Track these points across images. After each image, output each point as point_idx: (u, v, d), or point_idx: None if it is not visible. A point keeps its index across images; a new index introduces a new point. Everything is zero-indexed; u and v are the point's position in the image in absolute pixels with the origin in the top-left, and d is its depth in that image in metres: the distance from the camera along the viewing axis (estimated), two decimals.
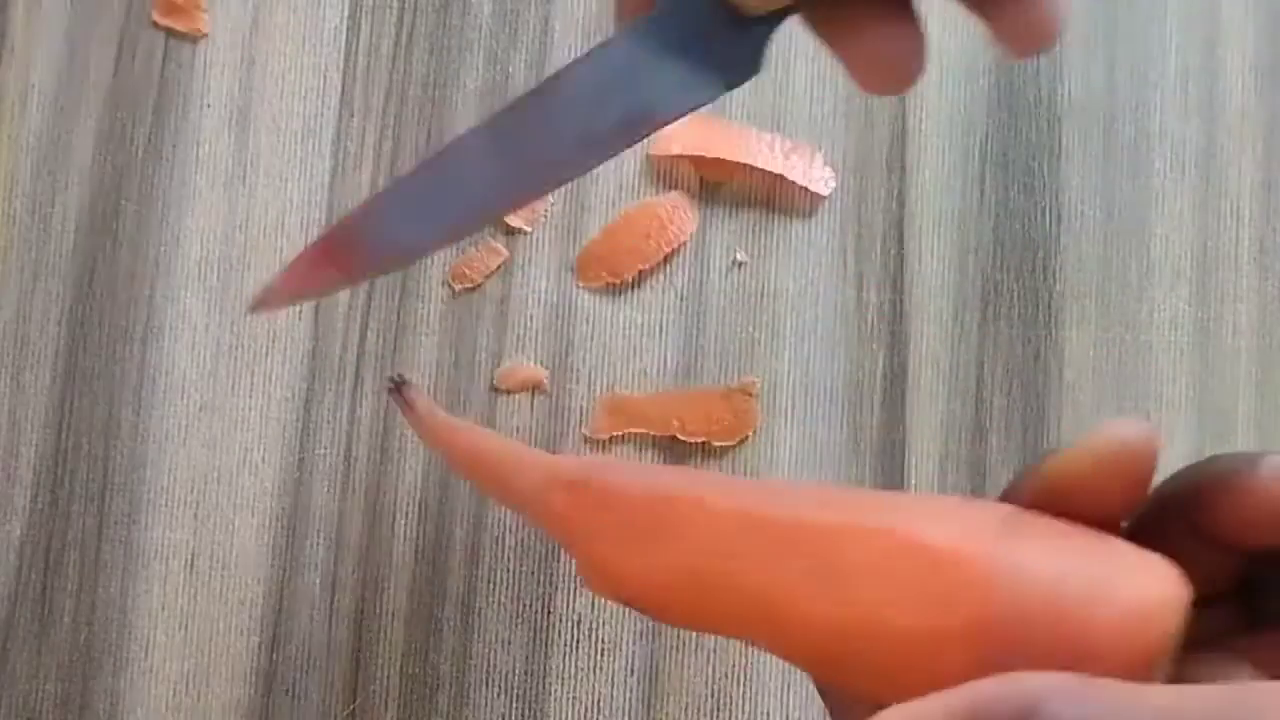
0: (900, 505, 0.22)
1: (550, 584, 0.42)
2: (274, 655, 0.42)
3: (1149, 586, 0.19)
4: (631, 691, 0.42)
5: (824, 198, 0.45)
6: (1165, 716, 0.17)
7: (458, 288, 0.44)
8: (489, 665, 0.42)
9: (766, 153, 0.44)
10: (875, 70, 0.22)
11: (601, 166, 0.45)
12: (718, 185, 0.45)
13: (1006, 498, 0.22)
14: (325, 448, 0.43)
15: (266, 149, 0.44)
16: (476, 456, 0.30)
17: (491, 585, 0.42)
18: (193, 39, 0.45)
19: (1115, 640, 0.19)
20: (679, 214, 0.44)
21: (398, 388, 0.31)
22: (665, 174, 0.45)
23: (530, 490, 0.27)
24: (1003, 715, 0.18)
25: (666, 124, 0.25)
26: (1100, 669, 0.18)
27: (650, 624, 0.42)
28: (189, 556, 0.42)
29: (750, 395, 0.43)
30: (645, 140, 0.46)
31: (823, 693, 0.24)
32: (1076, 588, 0.19)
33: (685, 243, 0.44)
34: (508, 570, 0.42)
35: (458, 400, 0.43)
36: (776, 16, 0.24)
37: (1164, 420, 0.44)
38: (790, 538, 0.21)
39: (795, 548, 0.21)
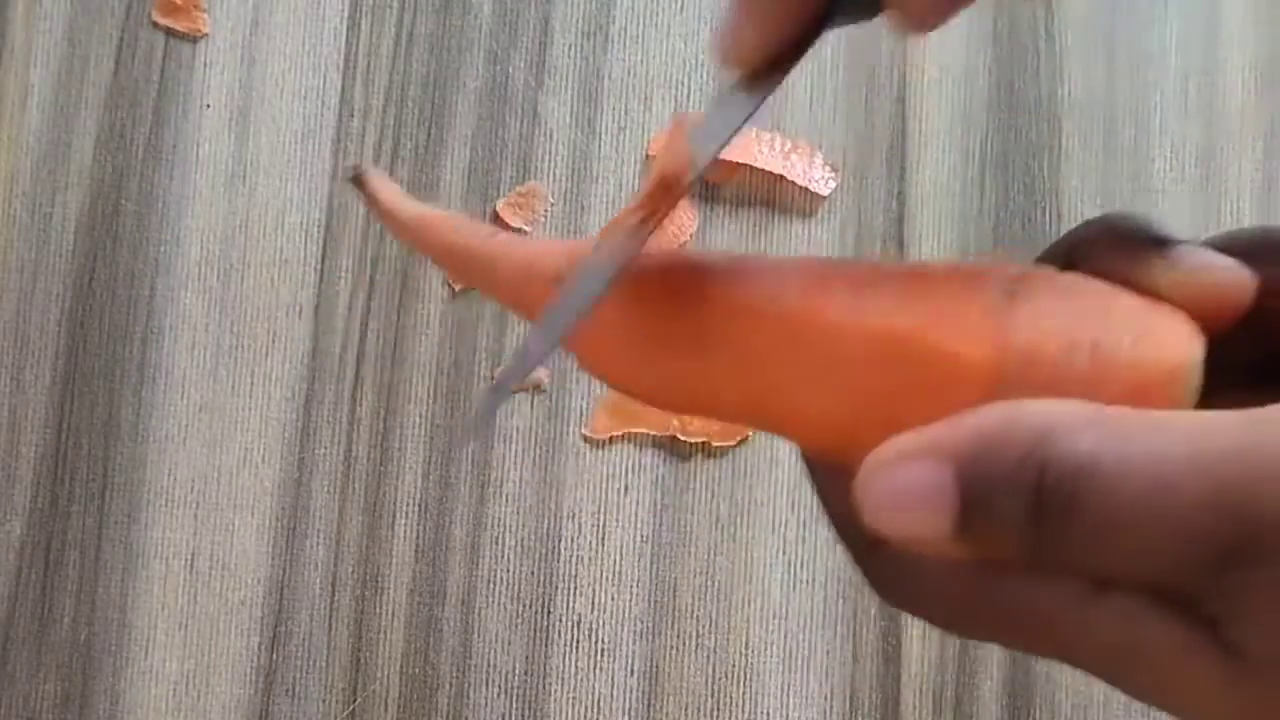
0: (911, 293, 0.21)
1: (550, 584, 0.42)
2: (274, 655, 0.42)
3: (1162, 347, 0.18)
4: (631, 691, 0.42)
5: (824, 198, 0.45)
6: (1189, 443, 0.16)
7: (458, 288, 0.44)
8: (489, 665, 0.42)
9: (766, 153, 0.44)
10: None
11: (601, 167, 0.45)
12: (718, 185, 0.45)
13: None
14: (325, 448, 0.43)
15: (266, 149, 0.44)
16: (450, 249, 0.28)
17: (491, 585, 0.42)
18: (193, 39, 0.45)
19: (1132, 403, 0.18)
20: (679, 214, 0.44)
21: (358, 177, 0.28)
22: None
23: (511, 283, 0.26)
24: (1012, 445, 0.17)
25: None
26: None
27: (650, 624, 0.42)
28: (189, 556, 0.42)
29: None
30: (645, 140, 0.46)
31: (812, 467, 0.24)
32: (1086, 360, 0.18)
33: (685, 243, 0.44)
34: (508, 570, 0.42)
35: (458, 399, 0.43)
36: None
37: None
38: (800, 335, 0.21)
39: (804, 344, 0.21)
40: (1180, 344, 0.18)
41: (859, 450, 0.18)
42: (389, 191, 0.28)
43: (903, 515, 0.17)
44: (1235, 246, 0.20)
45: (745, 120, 0.22)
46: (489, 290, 0.27)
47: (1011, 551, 0.17)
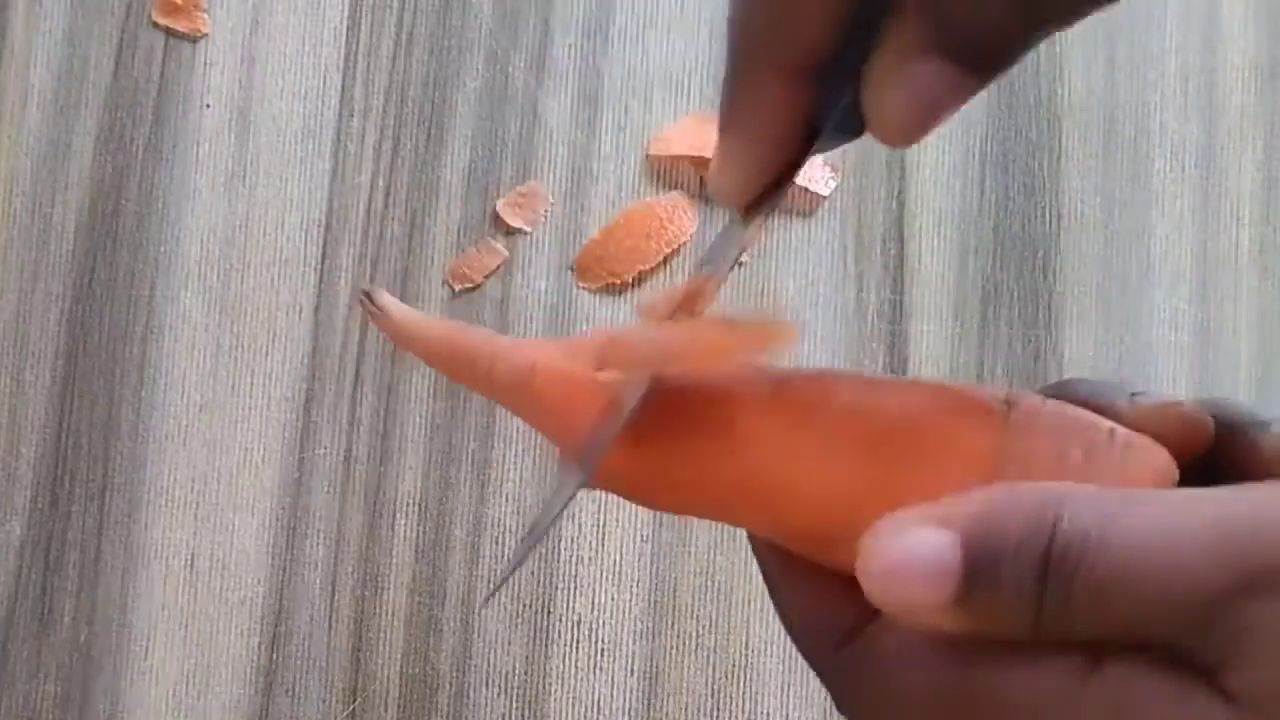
0: (919, 388, 0.22)
1: (550, 584, 0.42)
2: (274, 655, 0.42)
3: (1148, 459, 0.20)
4: (631, 691, 0.42)
5: (824, 198, 0.45)
6: (1184, 507, 0.17)
7: (458, 288, 0.44)
8: (489, 665, 0.42)
9: None
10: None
11: (601, 167, 0.45)
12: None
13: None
14: (325, 448, 0.43)
15: (266, 149, 0.44)
16: (453, 350, 0.29)
17: (492, 585, 0.42)
18: (193, 39, 0.45)
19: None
20: (679, 214, 0.44)
21: (368, 297, 0.29)
22: (665, 174, 0.45)
23: (510, 380, 0.27)
24: (1018, 516, 0.18)
25: None
26: None
27: (650, 624, 0.42)
28: (189, 556, 0.42)
29: None
30: (645, 140, 0.46)
31: (769, 573, 0.24)
32: (1079, 462, 0.19)
33: (685, 243, 0.44)
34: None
35: (457, 400, 0.43)
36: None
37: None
38: (810, 417, 0.21)
39: (812, 426, 0.21)
40: (1162, 457, 0.20)
41: (849, 530, 0.19)
42: (395, 305, 0.28)
43: (905, 582, 0.18)
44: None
45: (741, 249, 0.23)
46: (491, 390, 0.28)
47: (1011, 620, 0.18)
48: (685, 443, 0.22)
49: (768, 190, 0.23)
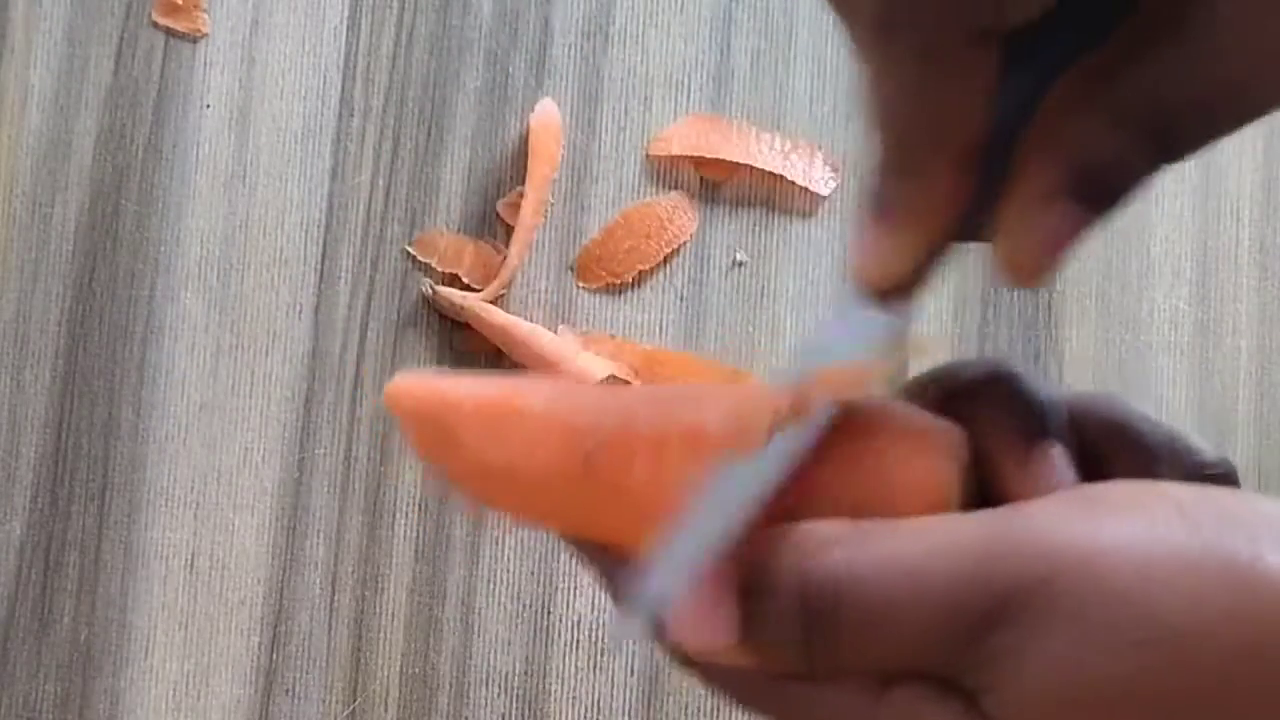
0: (699, 395, 0.23)
1: (550, 584, 0.42)
2: (274, 655, 0.42)
3: (919, 469, 0.20)
4: (631, 691, 0.42)
5: (824, 198, 0.45)
6: (933, 537, 0.18)
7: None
8: (489, 665, 0.42)
9: (766, 153, 0.44)
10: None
11: (601, 167, 0.45)
12: (718, 185, 0.45)
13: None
14: (325, 448, 0.43)
15: (266, 149, 0.44)
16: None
17: (491, 585, 0.42)
18: (193, 39, 0.45)
19: (904, 508, 0.19)
20: (679, 214, 0.44)
21: None
22: (665, 174, 0.45)
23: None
24: (775, 566, 0.18)
25: None
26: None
27: None
28: (189, 556, 0.42)
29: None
30: (645, 140, 0.46)
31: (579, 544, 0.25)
32: (863, 473, 0.20)
33: (685, 243, 0.44)
34: (508, 570, 0.42)
35: None
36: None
37: (1164, 420, 0.44)
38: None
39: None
40: (937, 471, 0.20)
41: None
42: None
43: (693, 632, 0.19)
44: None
45: (877, 340, 0.23)
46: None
47: (790, 660, 0.19)
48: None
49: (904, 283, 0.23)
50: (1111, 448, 0.22)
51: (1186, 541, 0.17)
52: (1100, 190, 0.21)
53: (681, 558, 0.20)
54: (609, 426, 0.22)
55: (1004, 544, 0.17)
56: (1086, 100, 0.20)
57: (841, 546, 0.18)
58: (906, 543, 0.18)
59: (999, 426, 0.21)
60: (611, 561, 0.23)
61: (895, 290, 0.23)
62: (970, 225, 0.22)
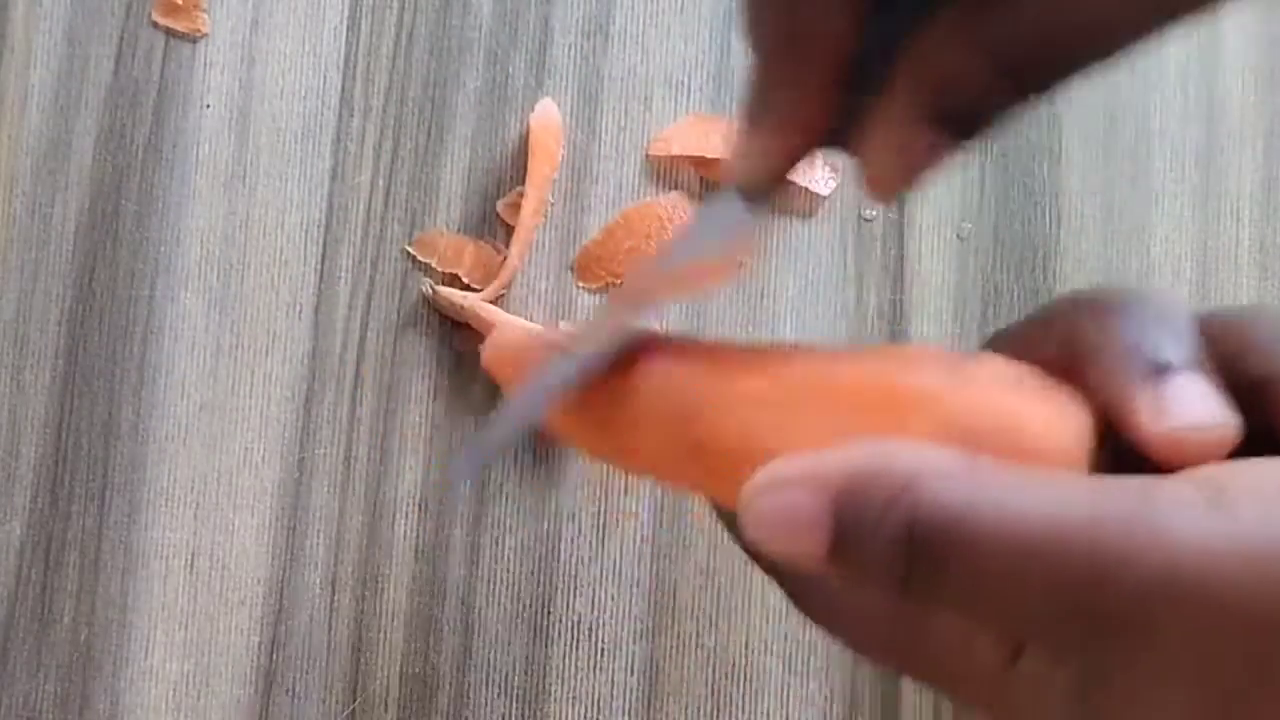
0: (883, 355, 0.23)
1: (550, 584, 0.42)
2: (274, 655, 0.42)
3: (1051, 428, 0.19)
4: (631, 691, 0.42)
5: (824, 198, 0.45)
6: (1050, 505, 0.17)
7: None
8: (489, 665, 0.42)
9: None
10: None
11: (601, 167, 0.45)
12: (718, 185, 0.45)
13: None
14: (325, 448, 0.43)
15: (266, 149, 0.44)
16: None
17: (491, 585, 0.42)
18: (193, 39, 0.45)
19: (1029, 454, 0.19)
20: (679, 214, 0.44)
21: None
22: (665, 174, 0.45)
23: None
24: (881, 488, 0.18)
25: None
26: None
27: (650, 624, 0.42)
28: (189, 556, 0.42)
29: None
30: (645, 140, 0.46)
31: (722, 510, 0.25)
32: (994, 427, 0.19)
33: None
34: (508, 570, 0.42)
35: (458, 399, 0.43)
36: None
37: None
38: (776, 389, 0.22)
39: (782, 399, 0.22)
40: (1068, 427, 0.19)
41: None
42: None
43: (780, 537, 0.18)
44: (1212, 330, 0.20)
45: (748, 232, 0.24)
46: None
47: (883, 583, 0.18)
48: (641, 407, 0.23)
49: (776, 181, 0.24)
50: (1259, 365, 0.20)
51: None
52: (958, 119, 0.21)
53: (516, 410, 0.22)
54: (713, 418, 0.22)
55: (1128, 539, 0.16)
56: (956, 33, 0.20)
57: (958, 482, 0.17)
58: (1029, 499, 0.17)
59: (1119, 363, 0.20)
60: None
61: (759, 187, 0.24)
62: (838, 136, 0.23)
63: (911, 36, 0.21)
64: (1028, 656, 0.18)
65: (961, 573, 0.17)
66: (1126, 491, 0.17)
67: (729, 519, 0.25)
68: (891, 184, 0.23)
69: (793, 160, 0.24)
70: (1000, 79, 0.21)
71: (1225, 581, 0.16)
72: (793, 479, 0.18)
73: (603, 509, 0.43)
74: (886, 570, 0.18)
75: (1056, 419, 0.20)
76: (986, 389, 0.20)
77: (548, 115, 0.44)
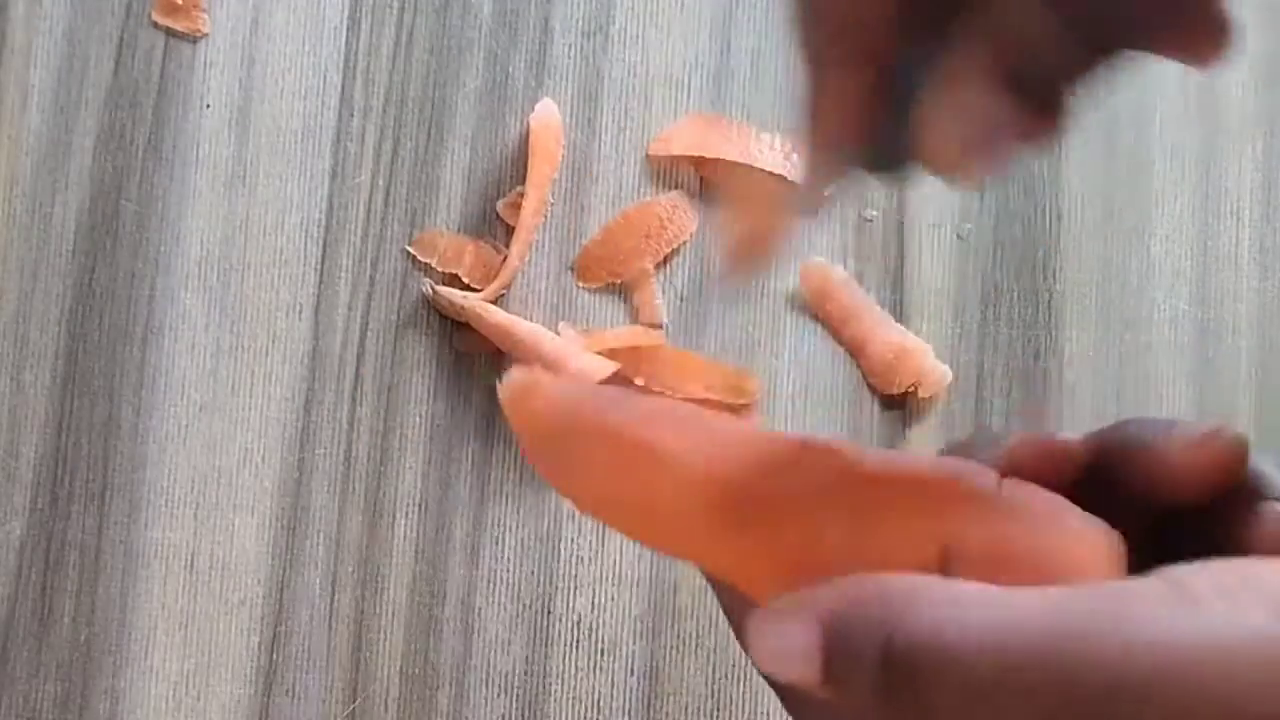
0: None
1: (550, 584, 0.42)
2: (274, 655, 0.42)
3: (1083, 560, 0.20)
4: (631, 691, 0.42)
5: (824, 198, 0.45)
6: (1030, 620, 0.17)
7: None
8: (489, 665, 0.42)
9: (766, 153, 0.44)
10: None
11: (601, 167, 0.45)
12: (718, 185, 0.45)
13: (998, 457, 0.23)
14: (325, 448, 0.43)
15: (266, 149, 0.44)
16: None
17: (491, 585, 0.42)
18: (193, 39, 0.45)
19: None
20: (679, 214, 0.44)
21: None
22: (665, 174, 0.45)
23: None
24: (867, 615, 0.19)
25: None
26: None
27: (650, 624, 0.42)
28: (189, 556, 0.42)
29: (749, 381, 0.43)
30: (645, 140, 0.46)
31: (730, 609, 0.26)
32: (1021, 555, 0.20)
33: (685, 243, 0.44)
34: (508, 570, 0.42)
35: (458, 399, 0.43)
36: None
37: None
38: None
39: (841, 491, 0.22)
40: (1100, 556, 0.20)
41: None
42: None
43: (781, 667, 0.19)
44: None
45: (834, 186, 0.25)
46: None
47: (875, 707, 0.19)
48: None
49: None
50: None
51: (1271, 633, 0.16)
52: (1032, 82, 0.20)
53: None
54: (757, 486, 0.22)
55: (1098, 640, 0.17)
56: None
57: (935, 606, 0.18)
58: (999, 615, 0.18)
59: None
60: (735, 596, 0.23)
61: (806, 205, 0.24)
62: (884, 153, 0.23)
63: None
64: None
65: (941, 690, 0.18)
66: (1096, 595, 0.18)
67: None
68: (960, 155, 0.21)
69: (835, 169, 0.24)
70: (1070, 34, 0.20)
71: (1193, 677, 0.16)
72: (791, 613, 0.20)
73: None
74: (873, 691, 0.19)
75: (1094, 538, 0.21)
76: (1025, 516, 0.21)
77: (548, 115, 0.44)
